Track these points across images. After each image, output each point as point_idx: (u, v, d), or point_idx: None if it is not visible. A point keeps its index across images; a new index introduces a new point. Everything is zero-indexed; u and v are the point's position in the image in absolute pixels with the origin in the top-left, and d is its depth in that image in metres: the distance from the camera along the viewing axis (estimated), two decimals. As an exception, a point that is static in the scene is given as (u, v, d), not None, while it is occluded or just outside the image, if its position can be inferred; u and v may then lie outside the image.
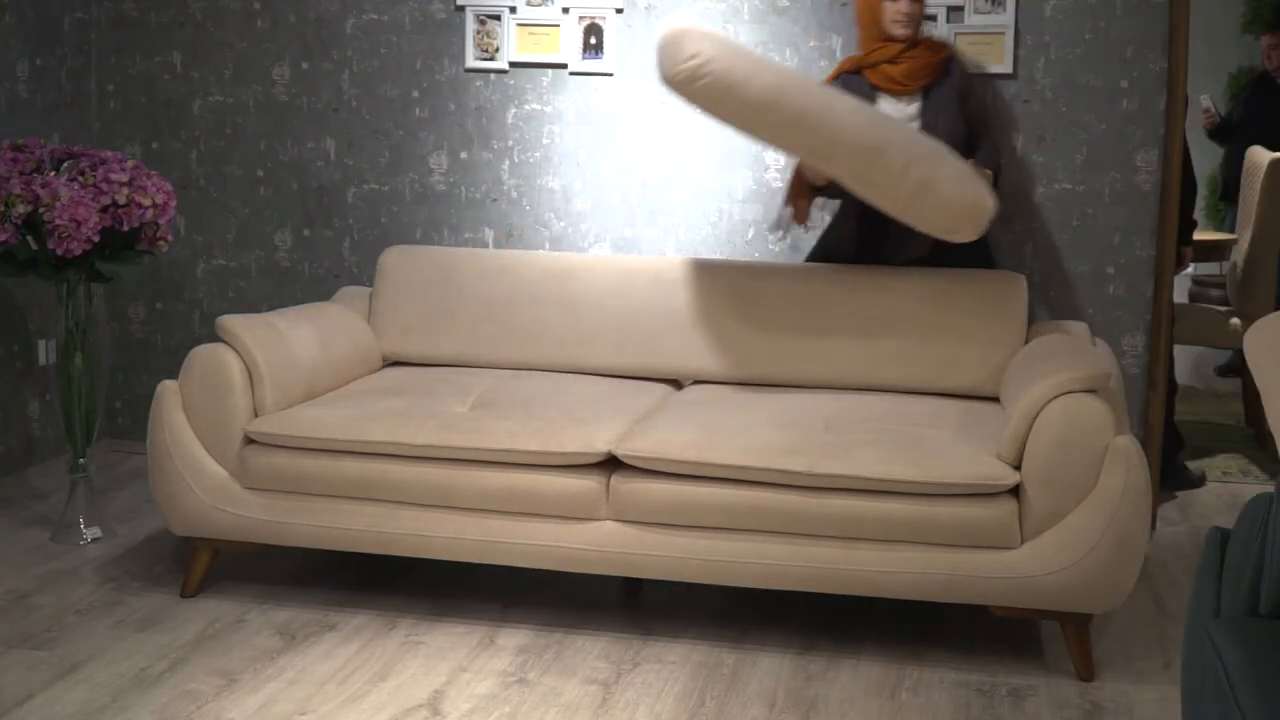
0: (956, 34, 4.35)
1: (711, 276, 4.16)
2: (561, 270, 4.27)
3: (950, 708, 3.12)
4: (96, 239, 3.89)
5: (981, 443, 3.39)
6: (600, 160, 4.67)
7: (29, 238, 3.94)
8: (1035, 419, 3.23)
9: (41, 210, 3.83)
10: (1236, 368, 4.56)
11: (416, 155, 4.80)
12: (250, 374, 3.69)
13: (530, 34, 4.65)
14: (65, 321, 4.10)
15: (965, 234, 3.63)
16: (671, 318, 4.12)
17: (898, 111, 4.00)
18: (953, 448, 3.36)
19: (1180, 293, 7.33)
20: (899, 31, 3.97)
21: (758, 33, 4.51)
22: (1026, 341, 3.91)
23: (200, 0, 4.89)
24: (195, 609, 3.63)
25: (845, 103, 3.65)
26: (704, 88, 3.47)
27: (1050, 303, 4.41)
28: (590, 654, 3.39)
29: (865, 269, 4.10)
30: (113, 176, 3.93)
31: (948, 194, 3.53)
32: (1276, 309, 5.47)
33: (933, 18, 4.36)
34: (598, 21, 4.60)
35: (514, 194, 4.74)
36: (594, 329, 4.17)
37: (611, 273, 4.24)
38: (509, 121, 4.72)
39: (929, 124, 3.92)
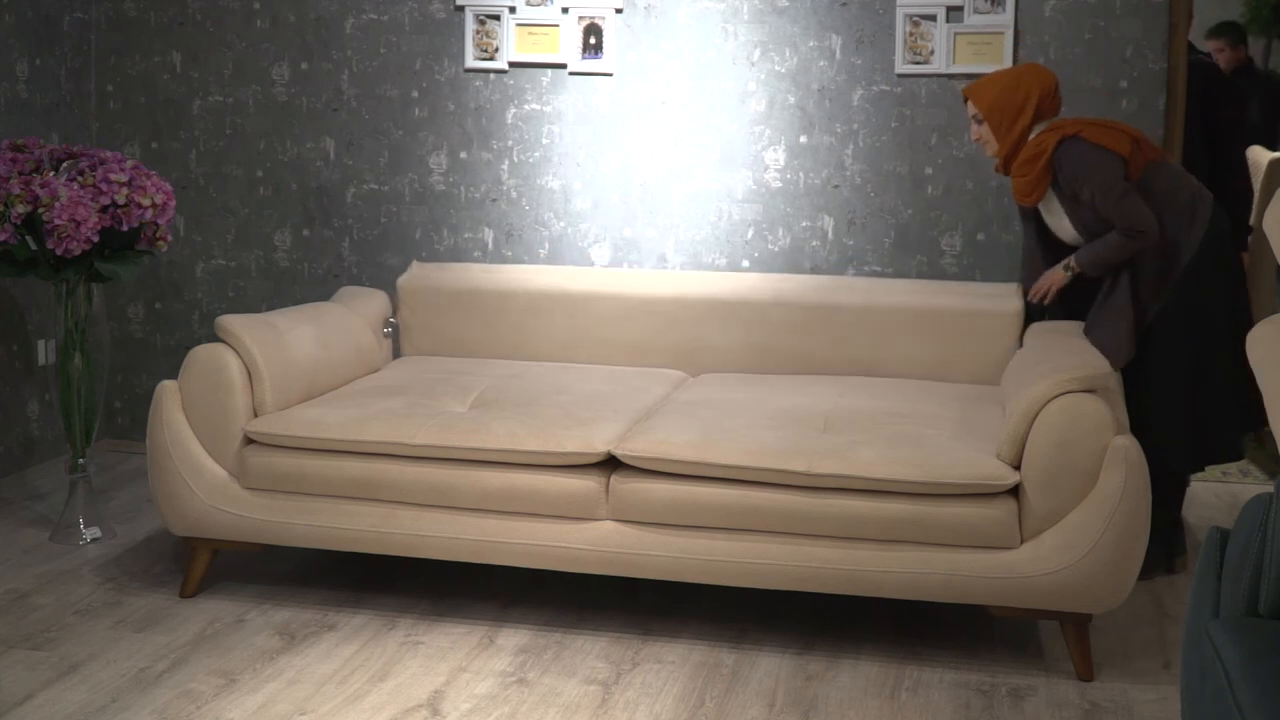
0: (956, 34, 4.35)
1: (715, 285, 4.19)
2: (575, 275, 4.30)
3: (950, 708, 3.12)
4: (96, 239, 3.89)
5: (981, 442, 3.38)
6: (600, 160, 4.67)
7: (28, 238, 3.94)
8: (1035, 419, 3.22)
9: (41, 210, 3.83)
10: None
11: (416, 155, 4.80)
12: (250, 374, 3.68)
13: (530, 34, 4.65)
14: (65, 321, 4.10)
15: None
16: (681, 305, 4.19)
17: (1050, 219, 3.91)
18: (952, 447, 3.35)
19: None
20: (987, 153, 3.93)
21: (757, 33, 4.51)
22: (1024, 341, 3.91)
23: (200, 0, 4.89)
24: (194, 609, 3.63)
25: None
26: None
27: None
28: (590, 654, 3.39)
29: (864, 282, 4.14)
30: (112, 176, 3.93)
31: None
32: (1277, 309, 5.46)
33: (932, 18, 4.36)
34: (597, 21, 4.60)
35: (513, 194, 4.74)
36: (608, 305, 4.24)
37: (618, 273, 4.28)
38: (508, 121, 4.72)
39: (1079, 219, 3.81)
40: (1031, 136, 3.81)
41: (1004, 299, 4.06)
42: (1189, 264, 3.77)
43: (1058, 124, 3.81)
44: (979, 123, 3.85)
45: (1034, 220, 3.98)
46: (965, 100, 3.88)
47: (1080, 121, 3.82)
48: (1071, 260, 3.84)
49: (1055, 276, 3.88)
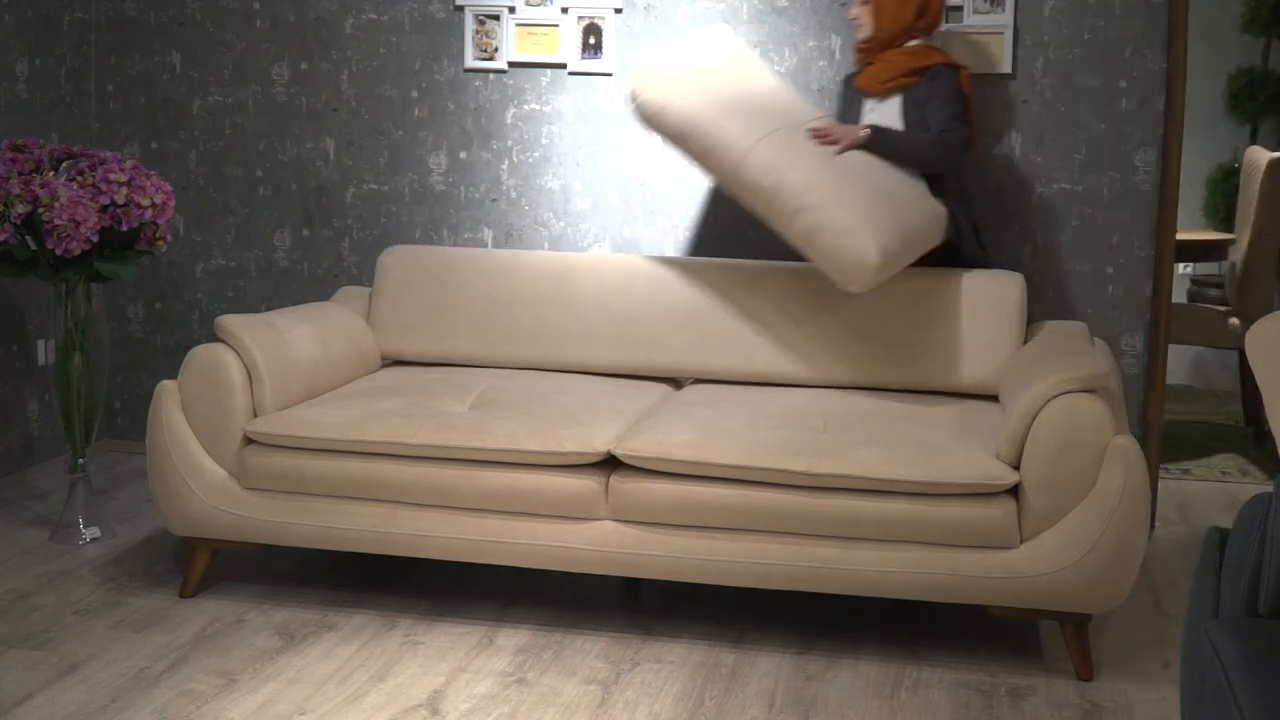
0: (956, 34, 4.35)
1: (711, 275, 4.16)
2: (562, 268, 4.26)
3: (949, 708, 3.12)
4: (95, 239, 3.89)
5: (980, 442, 3.39)
6: (599, 160, 4.67)
7: (28, 238, 3.94)
8: (1034, 419, 3.23)
9: (40, 210, 3.83)
10: None
11: (415, 155, 4.80)
12: (249, 374, 3.69)
13: (529, 34, 4.65)
14: (64, 321, 4.10)
15: (849, 286, 3.77)
16: (671, 314, 4.12)
17: (876, 112, 4.06)
18: (952, 447, 3.36)
19: (1179, 293, 7.35)
20: (859, 36, 4.09)
21: (757, 32, 4.51)
22: (1025, 341, 3.91)
23: (200, 0, 4.89)
24: (194, 609, 3.63)
25: (761, 133, 3.81)
26: (638, 111, 3.96)
27: (1049, 302, 4.41)
28: (589, 654, 3.39)
29: None
30: (112, 176, 3.93)
31: (828, 246, 3.71)
32: (1276, 309, 5.47)
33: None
34: (597, 21, 4.60)
35: (513, 194, 4.74)
36: (594, 326, 4.16)
37: (611, 271, 4.24)
38: (508, 121, 4.72)
39: (908, 123, 4.00)
40: (915, 42, 4.03)
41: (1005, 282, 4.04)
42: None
43: (943, 51, 4.07)
44: (863, 3, 4.03)
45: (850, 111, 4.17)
46: None
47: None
48: (871, 128, 3.92)
49: (850, 135, 3.89)
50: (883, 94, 4.05)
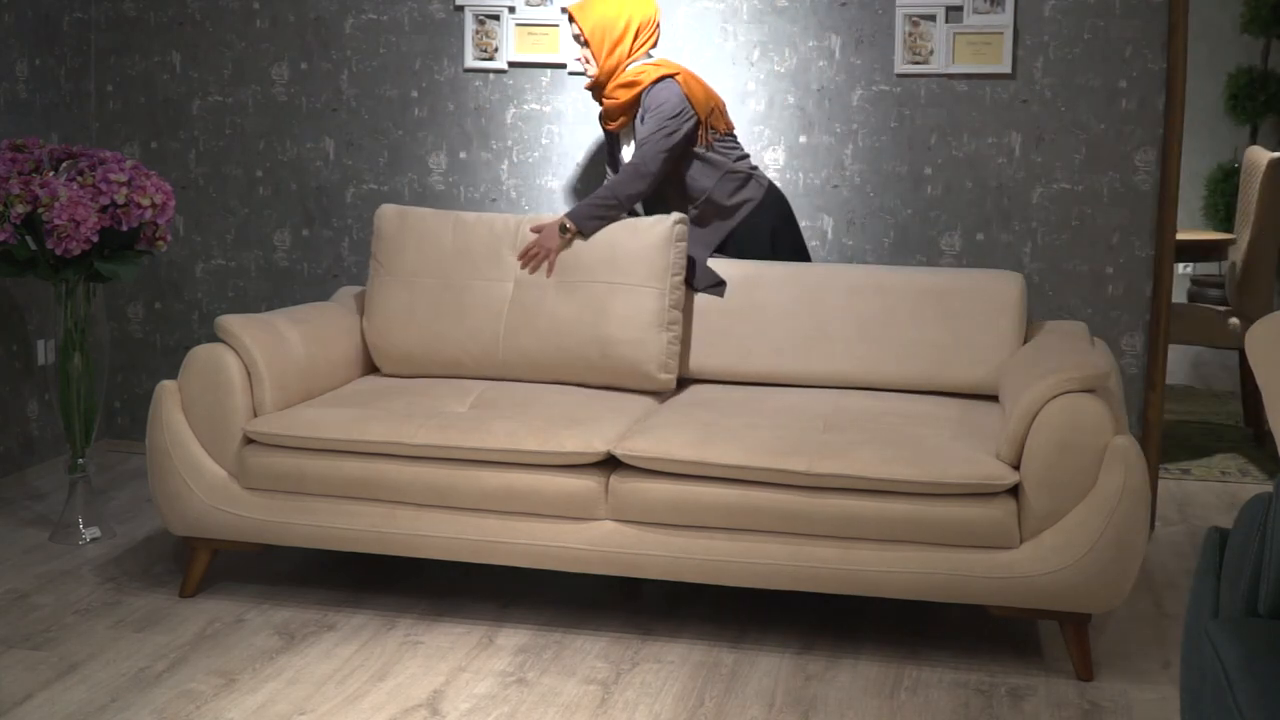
0: (956, 34, 4.35)
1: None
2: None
3: (949, 707, 3.12)
4: (95, 239, 3.90)
5: (980, 442, 3.39)
6: (599, 160, 4.67)
7: (28, 238, 3.94)
8: (1034, 419, 3.23)
9: (40, 210, 3.83)
10: None
11: (415, 155, 4.80)
12: (249, 374, 3.69)
13: (529, 34, 4.65)
14: (64, 321, 4.10)
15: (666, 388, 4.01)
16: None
17: (629, 146, 4.19)
18: (952, 447, 3.36)
19: (1179, 293, 7.36)
20: (588, 74, 4.15)
21: (757, 33, 4.52)
22: (1025, 341, 3.91)
23: (200, 0, 4.89)
24: (194, 609, 3.63)
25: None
26: None
27: (1049, 302, 4.41)
28: (589, 654, 3.39)
29: (864, 268, 4.11)
30: (111, 176, 3.93)
31: (631, 385, 3.96)
32: (1276, 309, 5.47)
33: (931, 18, 4.36)
34: (597, 21, 4.59)
35: (513, 194, 4.74)
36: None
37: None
38: (508, 121, 4.72)
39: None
40: (633, 66, 4.07)
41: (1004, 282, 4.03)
42: (740, 224, 4.13)
43: (663, 64, 4.09)
44: (583, 45, 4.10)
45: (613, 149, 4.27)
46: (570, 20, 4.12)
47: (683, 70, 4.09)
48: (565, 219, 3.99)
49: (551, 240, 3.99)
50: (619, 131, 4.18)
